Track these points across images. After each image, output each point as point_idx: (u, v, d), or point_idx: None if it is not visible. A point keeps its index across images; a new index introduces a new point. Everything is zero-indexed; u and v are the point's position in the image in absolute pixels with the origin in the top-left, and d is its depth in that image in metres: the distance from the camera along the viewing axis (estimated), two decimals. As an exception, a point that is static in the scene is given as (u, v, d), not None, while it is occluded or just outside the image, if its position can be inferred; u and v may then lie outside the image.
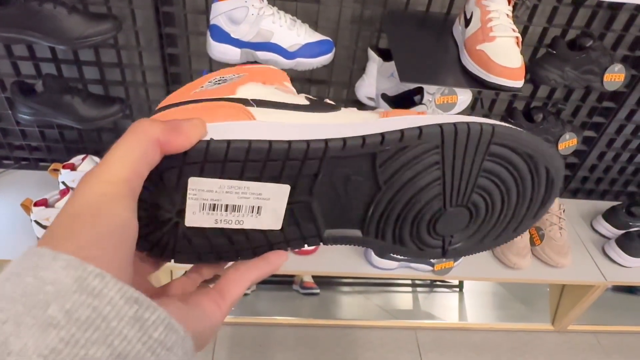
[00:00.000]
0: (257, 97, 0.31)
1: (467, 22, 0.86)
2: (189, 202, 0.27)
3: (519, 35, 0.82)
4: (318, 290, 1.52)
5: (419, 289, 1.64)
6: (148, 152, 0.23)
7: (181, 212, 0.27)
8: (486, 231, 0.33)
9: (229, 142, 0.25)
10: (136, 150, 0.22)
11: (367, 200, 0.30)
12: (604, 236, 1.36)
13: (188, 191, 0.26)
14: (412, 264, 1.17)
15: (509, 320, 1.51)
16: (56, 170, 1.08)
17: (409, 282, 1.64)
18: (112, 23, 0.91)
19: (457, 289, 1.64)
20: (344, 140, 0.27)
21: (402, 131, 0.28)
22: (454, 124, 0.28)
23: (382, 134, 0.28)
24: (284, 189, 0.28)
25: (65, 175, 1.06)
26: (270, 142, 0.26)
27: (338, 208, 0.30)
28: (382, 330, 1.44)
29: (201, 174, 0.26)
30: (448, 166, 0.29)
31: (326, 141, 0.27)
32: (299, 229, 0.30)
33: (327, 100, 0.34)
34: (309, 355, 1.36)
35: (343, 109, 0.33)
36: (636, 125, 1.30)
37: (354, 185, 0.29)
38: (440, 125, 0.28)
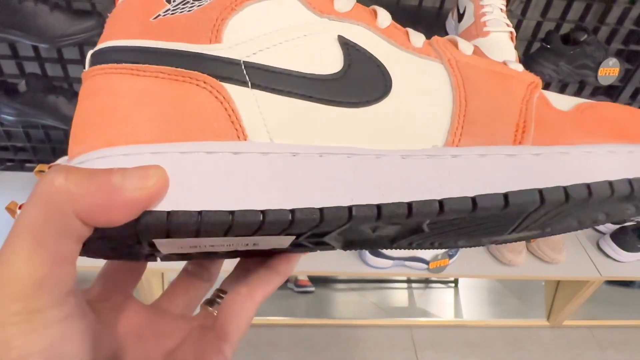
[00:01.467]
0: (255, 58, 0.20)
1: (460, 16, 0.85)
2: (160, 248, 0.19)
3: (513, 30, 0.80)
4: (313, 288, 1.51)
5: (414, 284, 1.63)
6: (68, 228, 0.15)
7: (153, 253, 0.21)
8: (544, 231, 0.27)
9: (199, 215, 0.17)
10: (45, 231, 0.15)
11: (402, 237, 0.22)
12: (598, 231, 1.35)
13: (156, 244, 0.19)
14: (407, 262, 1.16)
15: (504, 317, 1.51)
16: (42, 171, 1.06)
17: (404, 278, 1.63)
18: (97, 20, 0.88)
19: (453, 285, 1.64)
20: (379, 209, 0.18)
21: (475, 200, 0.18)
22: (589, 187, 0.18)
23: (442, 205, 0.18)
24: (286, 238, 0.20)
25: (51, 177, 1.04)
26: (263, 214, 0.17)
27: (361, 241, 0.22)
28: (378, 329, 1.43)
29: (167, 238, 0.18)
30: (540, 216, 0.20)
31: (350, 210, 0.18)
32: (309, 249, 0.24)
33: (375, 55, 0.22)
34: (303, 354, 1.34)
35: (396, 84, 0.21)
36: (630, 119, 1.30)
37: (384, 231, 0.21)
38: (566, 190, 0.18)
